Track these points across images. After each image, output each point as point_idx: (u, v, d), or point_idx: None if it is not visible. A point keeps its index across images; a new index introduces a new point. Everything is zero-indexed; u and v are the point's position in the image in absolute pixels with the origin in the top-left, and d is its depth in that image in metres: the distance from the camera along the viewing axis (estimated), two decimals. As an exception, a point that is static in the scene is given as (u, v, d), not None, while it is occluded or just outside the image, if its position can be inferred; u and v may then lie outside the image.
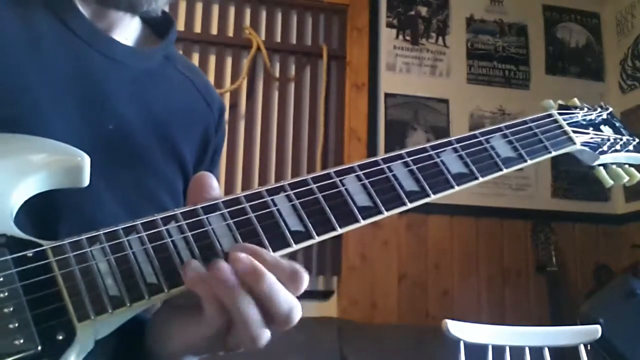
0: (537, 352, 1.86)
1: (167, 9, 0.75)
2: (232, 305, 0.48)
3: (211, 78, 2.91)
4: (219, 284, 0.47)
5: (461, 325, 1.85)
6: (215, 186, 0.54)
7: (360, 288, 2.84)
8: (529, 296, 2.97)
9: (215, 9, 3.01)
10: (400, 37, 3.17)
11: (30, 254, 0.46)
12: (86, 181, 0.53)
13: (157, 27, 0.78)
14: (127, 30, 0.73)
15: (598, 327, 1.91)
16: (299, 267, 0.51)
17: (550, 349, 1.89)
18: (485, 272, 2.97)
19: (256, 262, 0.48)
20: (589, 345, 2.02)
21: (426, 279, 2.91)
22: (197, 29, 2.96)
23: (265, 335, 0.50)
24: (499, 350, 1.84)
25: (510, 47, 3.29)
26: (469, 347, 1.83)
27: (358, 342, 2.56)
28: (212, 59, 2.95)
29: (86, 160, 0.52)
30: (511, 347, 1.86)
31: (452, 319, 1.85)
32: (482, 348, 1.84)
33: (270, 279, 0.48)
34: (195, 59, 2.91)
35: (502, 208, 3.04)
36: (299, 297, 0.52)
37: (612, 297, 2.43)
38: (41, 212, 0.56)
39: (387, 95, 3.07)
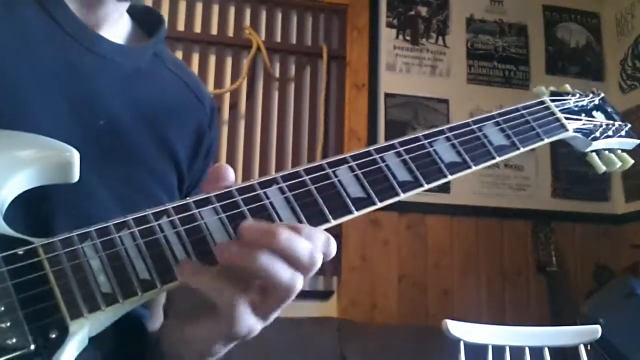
0: (537, 352, 1.86)
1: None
2: (257, 263, 0.48)
3: (211, 78, 2.92)
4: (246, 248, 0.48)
5: (461, 325, 1.84)
6: (230, 177, 0.54)
7: (360, 288, 2.83)
8: (529, 296, 2.96)
9: (215, 9, 3.01)
10: (400, 37, 3.17)
11: (21, 252, 0.46)
12: (76, 176, 0.52)
13: (146, 25, 0.78)
14: (116, 28, 0.73)
15: (598, 327, 1.91)
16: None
17: (550, 349, 1.88)
18: (485, 272, 2.96)
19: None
20: (589, 345, 2.02)
21: (426, 279, 2.91)
22: (197, 29, 2.96)
23: (299, 279, 0.50)
24: (499, 350, 1.84)
25: (510, 47, 3.29)
26: (469, 347, 1.83)
27: (358, 342, 2.55)
28: (212, 59, 2.95)
29: (75, 155, 0.52)
30: (511, 347, 1.85)
31: (452, 319, 1.85)
32: (482, 348, 1.83)
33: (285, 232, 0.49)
34: (195, 59, 2.92)
35: (502, 208, 3.04)
36: (298, 298, 0.52)
37: (612, 297, 2.42)
38: (35, 207, 0.55)
39: (387, 95, 3.07)
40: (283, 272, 0.48)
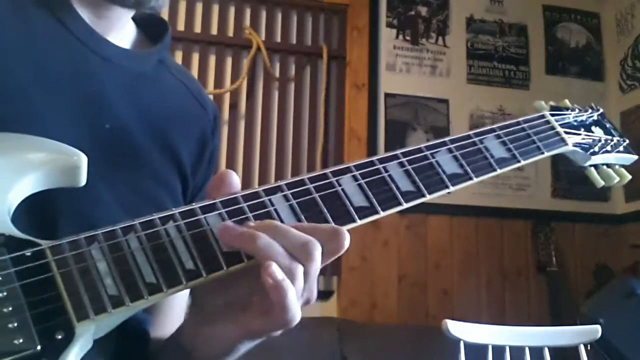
0: (537, 352, 1.86)
1: (166, 6, 0.75)
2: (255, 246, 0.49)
3: (211, 78, 2.92)
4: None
5: (461, 325, 1.85)
6: (235, 183, 0.55)
7: (360, 288, 2.84)
8: (529, 296, 2.97)
9: (215, 9, 3.01)
10: (400, 37, 3.17)
11: (29, 254, 0.46)
12: (83, 180, 0.53)
13: (151, 31, 0.78)
14: (123, 33, 0.73)
15: (598, 327, 1.91)
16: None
17: (550, 349, 1.89)
18: (485, 272, 2.97)
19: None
20: (589, 345, 2.02)
21: (426, 279, 2.91)
22: (197, 29, 2.96)
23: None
24: (499, 350, 1.84)
25: (510, 47, 3.29)
26: (469, 347, 1.83)
27: (358, 342, 2.55)
28: (212, 59, 2.95)
29: (83, 159, 0.52)
30: (511, 347, 1.86)
31: (452, 319, 1.85)
32: (482, 348, 1.84)
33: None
34: (195, 59, 2.92)
35: (502, 208, 3.04)
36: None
37: (612, 297, 2.43)
38: (41, 211, 0.56)
39: (387, 95, 3.07)
40: (281, 257, 0.49)
